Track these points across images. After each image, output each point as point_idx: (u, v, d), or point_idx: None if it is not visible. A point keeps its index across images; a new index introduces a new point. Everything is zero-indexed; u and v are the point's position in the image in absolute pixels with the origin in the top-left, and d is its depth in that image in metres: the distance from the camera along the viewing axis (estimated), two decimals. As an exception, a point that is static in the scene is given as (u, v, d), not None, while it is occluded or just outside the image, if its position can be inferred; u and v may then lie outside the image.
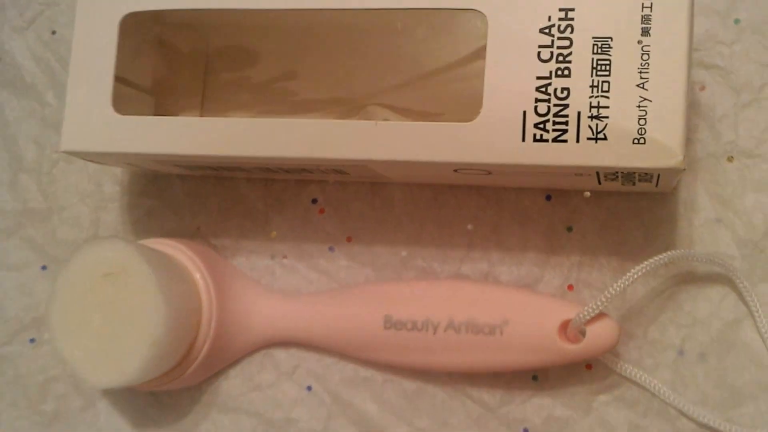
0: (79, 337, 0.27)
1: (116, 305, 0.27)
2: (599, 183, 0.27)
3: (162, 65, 0.32)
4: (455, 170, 0.27)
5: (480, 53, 0.26)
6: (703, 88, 0.30)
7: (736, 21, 0.30)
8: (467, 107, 0.26)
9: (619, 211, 0.30)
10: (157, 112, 0.31)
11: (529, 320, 0.28)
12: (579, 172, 0.26)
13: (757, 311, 0.28)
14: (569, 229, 0.30)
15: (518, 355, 0.28)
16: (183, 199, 0.33)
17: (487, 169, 0.27)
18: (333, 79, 0.31)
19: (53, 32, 0.35)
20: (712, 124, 0.30)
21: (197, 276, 0.30)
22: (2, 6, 0.35)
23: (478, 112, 0.25)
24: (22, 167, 0.34)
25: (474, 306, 0.29)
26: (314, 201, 0.32)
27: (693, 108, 0.30)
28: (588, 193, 0.30)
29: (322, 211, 0.32)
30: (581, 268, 0.30)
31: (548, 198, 0.30)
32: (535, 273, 0.30)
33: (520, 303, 0.29)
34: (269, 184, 0.32)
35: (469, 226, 0.31)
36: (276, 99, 0.32)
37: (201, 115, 0.32)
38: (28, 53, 0.35)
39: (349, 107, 0.31)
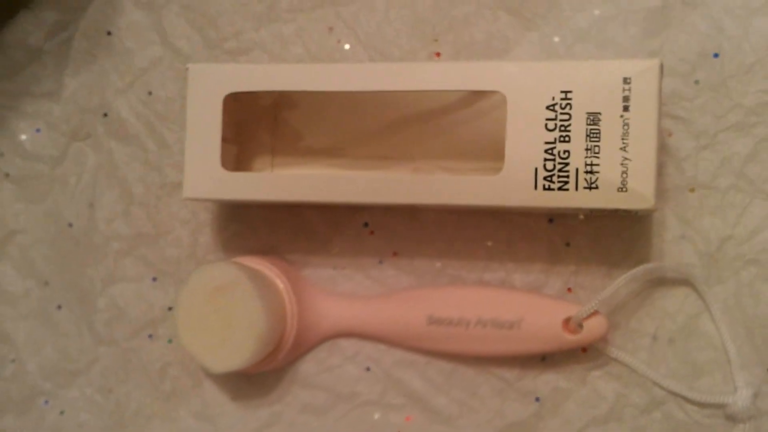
0: (200, 335, 0.31)
1: (227, 311, 0.31)
2: (591, 212, 0.31)
3: (239, 121, 0.35)
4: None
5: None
6: (670, 134, 0.32)
7: (696, 81, 0.32)
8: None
9: (606, 230, 0.32)
10: (238, 159, 0.35)
11: (539, 317, 0.31)
12: (577, 211, 0.30)
13: (712, 307, 0.32)
14: (567, 244, 0.33)
15: (531, 343, 0.32)
16: (261, 224, 0.35)
17: (507, 210, 0.31)
18: (379, 138, 0.34)
19: (149, 93, 0.37)
20: (678, 163, 0.32)
21: (279, 284, 0.33)
22: (106, 71, 0.37)
23: (499, 168, 0.29)
24: (133, 201, 0.36)
25: (496, 306, 0.32)
26: (366, 224, 0.34)
27: (663, 149, 0.31)
28: (582, 216, 0.33)
29: (372, 232, 0.34)
30: (578, 275, 0.32)
31: (550, 220, 0.33)
32: (541, 279, 0.33)
33: (531, 304, 0.32)
34: (328, 211, 0.34)
35: (489, 243, 0.33)
36: (335, 154, 0.35)
37: (272, 163, 0.35)
38: (131, 110, 0.37)
39: (394, 161, 0.34)
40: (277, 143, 0.35)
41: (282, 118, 0.35)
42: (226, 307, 0.30)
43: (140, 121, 0.37)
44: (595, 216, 0.32)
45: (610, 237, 0.32)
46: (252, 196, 0.31)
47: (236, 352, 0.30)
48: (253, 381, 0.35)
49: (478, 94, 0.33)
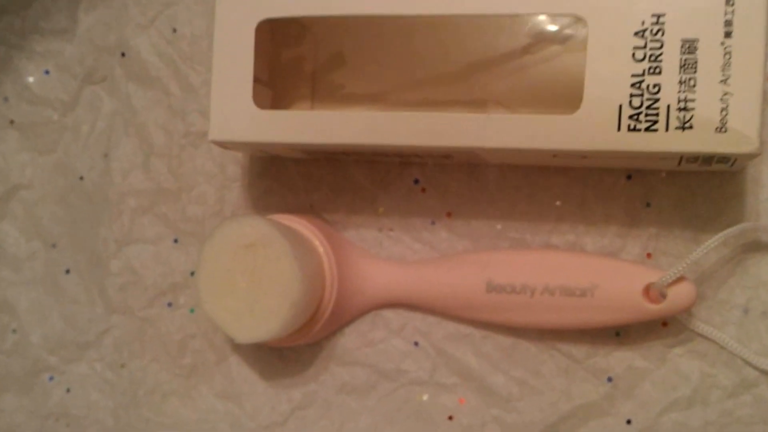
0: (225, 300, 0.29)
1: (257, 272, 0.29)
2: (678, 165, 0.29)
3: (275, 60, 0.33)
4: (554, 155, 0.29)
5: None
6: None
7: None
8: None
9: (692, 188, 0.31)
10: (273, 104, 0.33)
11: (617, 283, 0.30)
12: (666, 156, 0.28)
13: (814, 275, 0.30)
14: (648, 204, 0.31)
15: (606, 314, 0.30)
16: (297, 180, 0.34)
17: (584, 155, 0.29)
18: (434, 83, 0.33)
19: (174, 30, 0.35)
20: (778, 111, 0.30)
21: (318, 246, 0.32)
22: (125, 5, 0.36)
23: (577, 105, 0.27)
24: (153, 151, 0.35)
25: (566, 272, 0.30)
26: (416, 181, 0.33)
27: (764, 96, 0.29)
28: (664, 173, 0.31)
29: (423, 190, 0.33)
30: (658, 239, 0.31)
31: (628, 177, 0.31)
32: (617, 243, 0.31)
33: (607, 269, 0.30)
34: (374, 166, 0.33)
35: (558, 203, 0.32)
36: (383, 101, 0.33)
37: (312, 108, 0.34)
38: (152, 49, 0.36)
39: (450, 108, 0.32)
40: (318, 88, 0.34)
41: (323, 59, 0.34)
42: (256, 268, 0.29)
43: (163, 62, 0.35)
44: (680, 172, 0.31)
45: (697, 196, 0.31)
46: (289, 138, 0.30)
47: (267, 320, 0.29)
48: (285, 356, 0.34)
49: (554, 22, 0.31)
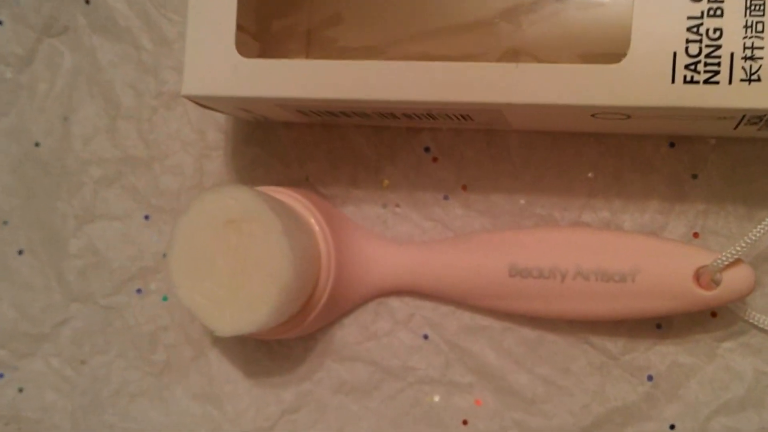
0: (203, 285, 0.27)
1: (241, 252, 0.27)
2: (735, 128, 0.27)
3: (264, 9, 0.31)
4: (593, 115, 0.27)
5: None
6: None
7: None
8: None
9: (747, 157, 0.29)
10: (261, 57, 0.31)
11: (663, 267, 0.28)
12: (727, 115, 0.25)
13: None
14: (694, 176, 0.30)
15: (649, 302, 0.28)
16: (289, 148, 0.32)
17: (630, 113, 0.26)
18: (446, 36, 0.31)
19: None
20: None
21: (313, 223, 0.30)
22: None
23: (624, 53, 0.25)
24: (120, 114, 0.34)
25: (603, 253, 0.28)
26: (427, 149, 0.32)
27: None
28: (713, 140, 0.30)
29: (435, 159, 0.32)
30: (707, 216, 0.29)
31: (672, 145, 0.30)
32: (659, 221, 0.30)
33: (651, 249, 0.28)
34: (379, 131, 0.32)
35: (590, 174, 0.30)
36: (384, 55, 0.31)
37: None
38: None
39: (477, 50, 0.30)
40: (314, 40, 0.31)
41: (320, 8, 0.31)
42: (239, 248, 0.27)
43: (132, 10, 0.34)
44: (732, 139, 0.29)
45: (752, 167, 0.29)
46: (279, 92, 0.27)
47: (252, 308, 0.27)
48: (274, 351, 0.32)
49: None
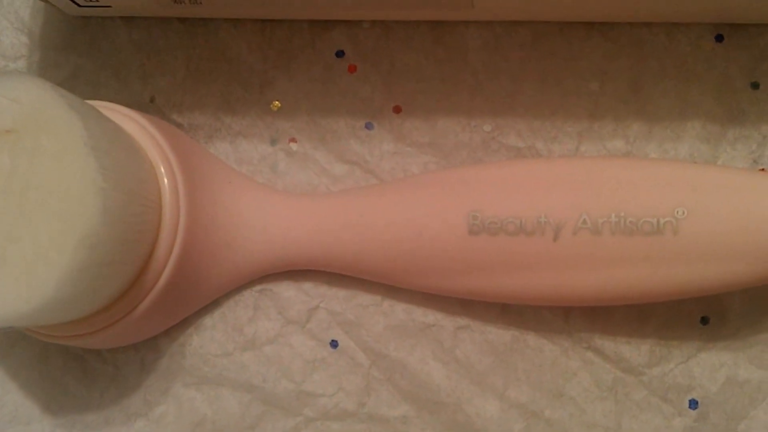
0: None
1: (18, 181, 0.21)
2: None
3: None
4: None
5: None
6: None
7: None
8: None
9: None
10: None
11: (723, 208, 0.22)
12: None
13: None
14: (755, 85, 0.24)
15: (702, 266, 0.21)
16: (130, 55, 0.27)
17: None
18: None
19: None
20: None
21: (156, 157, 0.24)
22: None
23: None
24: None
25: (625, 191, 0.22)
26: (340, 54, 0.26)
27: None
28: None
29: (352, 68, 0.26)
30: None
31: (719, 39, 0.24)
32: (704, 151, 0.24)
33: (703, 183, 0.22)
34: (268, 28, 0.26)
35: (593, 84, 0.25)
36: None
37: None
38: None
39: None
40: None
41: None
42: (17, 174, 0.22)
43: None
44: None
45: None
46: None
47: (33, 276, 0.21)
48: (90, 368, 0.26)
49: None
